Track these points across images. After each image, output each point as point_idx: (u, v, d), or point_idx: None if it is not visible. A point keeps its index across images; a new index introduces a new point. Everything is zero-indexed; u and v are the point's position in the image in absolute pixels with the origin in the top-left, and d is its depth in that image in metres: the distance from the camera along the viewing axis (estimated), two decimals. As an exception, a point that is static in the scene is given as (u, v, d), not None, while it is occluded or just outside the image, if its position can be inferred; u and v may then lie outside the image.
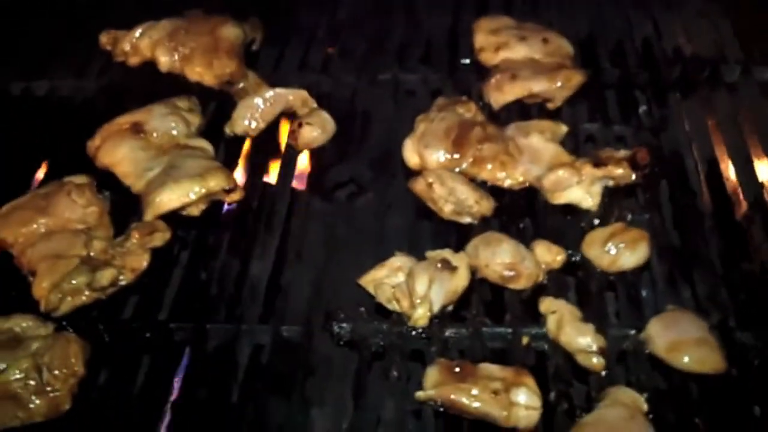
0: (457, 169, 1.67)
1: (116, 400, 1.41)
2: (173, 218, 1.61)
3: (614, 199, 1.63)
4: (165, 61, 1.90)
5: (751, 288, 1.49)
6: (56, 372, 1.36)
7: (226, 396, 1.40)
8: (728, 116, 1.83)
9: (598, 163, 1.60)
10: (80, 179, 1.66)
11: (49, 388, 1.35)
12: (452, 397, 1.28)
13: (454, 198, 1.59)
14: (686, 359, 1.33)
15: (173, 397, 1.41)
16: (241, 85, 1.87)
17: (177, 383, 1.43)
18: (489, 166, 1.66)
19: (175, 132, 1.73)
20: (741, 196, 1.65)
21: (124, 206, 1.66)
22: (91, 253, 1.53)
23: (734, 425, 1.30)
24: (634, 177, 1.61)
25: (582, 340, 1.36)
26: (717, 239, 1.58)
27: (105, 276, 1.48)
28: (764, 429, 1.28)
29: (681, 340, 1.34)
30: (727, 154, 1.74)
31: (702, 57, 1.97)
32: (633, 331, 1.40)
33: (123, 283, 1.52)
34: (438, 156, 1.67)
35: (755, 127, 1.79)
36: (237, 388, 1.41)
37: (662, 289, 1.50)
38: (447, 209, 1.61)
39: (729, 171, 1.70)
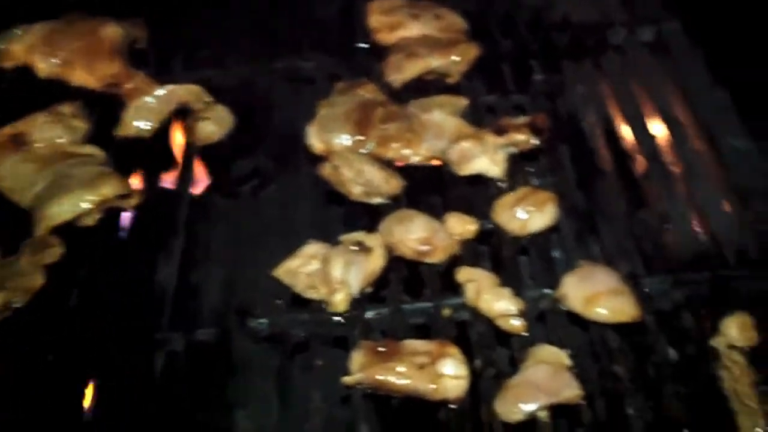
0: (362, 151, 1.64)
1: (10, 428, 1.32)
2: (67, 231, 1.52)
3: (519, 165, 1.64)
4: (43, 67, 1.80)
5: (653, 236, 1.52)
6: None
7: (143, 409, 1.33)
8: (618, 77, 1.86)
9: (499, 132, 1.62)
10: (-38, 199, 1.56)
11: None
12: (379, 377, 1.26)
13: (362, 179, 1.57)
14: (602, 311, 1.35)
15: (86, 418, 1.34)
16: (128, 86, 1.79)
17: (89, 402, 1.36)
18: (394, 145, 1.64)
19: (60, 140, 1.64)
20: (637, 152, 1.68)
21: (12, 224, 1.56)
22: (-21, 277, 1.44)
23: (652, 370, 1.32)
24: (535, 141, 1.62)
25: (501, 304, 1.36)
26: (619, 195, 1.61)
27: (-5, 299, 1.39)
28: (680, 371, 1.31)
29: (595, 293, 1.35)
30: (621, 113, 1.77)
31: (589, 22, 2.00)
32: (549, 291, 1.41)
33: (17, 305, 1.41)
34: (342, 139, 1.65)
35: (643, 85, 1.83)
36: (153, 399, 1.34)
37: (572, 247, 1.52)
38: (356, 191, 1.58)
39: (624, 130, 1.74)
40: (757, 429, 1.21)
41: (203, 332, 1.42)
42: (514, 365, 1.33)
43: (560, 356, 1.29)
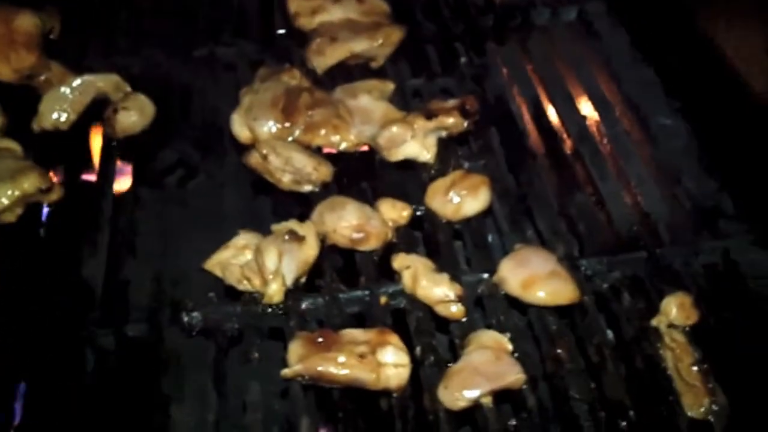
0: (290, 138, 1.61)
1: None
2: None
3: (449, 149, 1.64)
4: (-46, 60, 1.70)
5: (587, 217, 1.53)
6: None
7: (74, 409, 1.28)
8: (544, 58, 1.88)
9: (429, 115, 1.60)
10: None
11: None
12: (319, 368, 1.24)
13: (291, 167, 1.54)
14: (541, 294, 1.35)
15: (16, 422, 1.28)
16: (44, 77, 1.71)
17: (18, 407, 1.30)
18: (322, 132, 1.62)
19: (-25, 135, 1.56)
20: (566, 133, 1.69)
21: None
22: None
23: (593, 352, 1.33)
24: (465, 125, 1.62)
25: (439, 290, 1.35)
26: (550, 176, 1.62)
27: None
28: (621, 352, 1.32)
29: (533, 276, 1.36)
30: (547, 94, 1.79)
31: (512, 3, 2.00)
32: (486, 275, 1.41)
33: (-63, 305, 1.36)
34: (268, 127, 1.61)
35: (569, 66, 1.85)
36: (85, 398, 1.29)
37: (507, 230, 1.53)
38: (285, 180, 1.55)
39: (552, 110, 1.75)
40: (702, 407, 1.23)
41: (134, 327, 1.37)
42: (455, 352, 1.33)
43: (501, 341, 1.29)
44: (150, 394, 1.29)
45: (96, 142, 1.68)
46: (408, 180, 1.59)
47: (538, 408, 1.26)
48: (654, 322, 1.33)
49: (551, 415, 1.26)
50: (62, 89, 1.66)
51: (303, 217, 1.49)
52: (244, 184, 1.60)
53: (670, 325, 1.32)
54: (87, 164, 1.66)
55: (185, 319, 1.37)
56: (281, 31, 1.94)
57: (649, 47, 1.83)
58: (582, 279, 1.40)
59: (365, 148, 1.64)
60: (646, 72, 1.80)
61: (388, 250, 1.46)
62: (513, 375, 1.25)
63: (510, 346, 1.30)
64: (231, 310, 1.38)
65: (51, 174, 1.55)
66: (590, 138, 1.67)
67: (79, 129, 1.69)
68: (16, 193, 1.46)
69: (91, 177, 1.63)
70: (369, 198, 1.53)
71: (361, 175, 1.60)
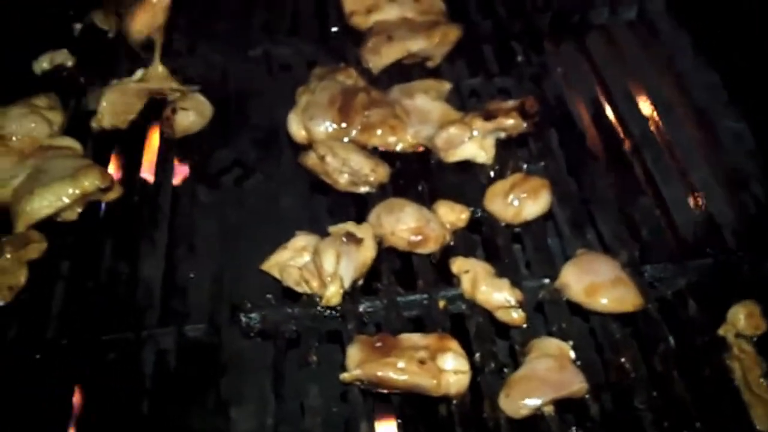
0: (345, 139, 1.61)
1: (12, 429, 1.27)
2: (48, 226, 1.48)
3: (507, 151, 1.61)
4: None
5: (650, 222, 1.50)
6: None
7: (135, 410, 1.29)
8: (602, 58, 1.84)
9: (488, 116, 1.58)
10: (-66, 198, 1.50)
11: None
12: (379, 373, 1.23)
13: (348, 168, 1.53)
14: (605, 301, 1.32)
15: (75, 419, 1.29)
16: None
17: (78, 404, 1.31)
18: (378, 132, 1.61)
19: (36, 133, 1.58)
20: (627, 134, 1.66)
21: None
22: (-40, 276, 1.38)
23: (658, 361, 1.29)
24: (525, 126, 1.59)
25: (499, 296, 1.33)
26: (611, 179, 1.59)
27: (-21, 299, 1.34)
28: (687, 361, 1.28)
29: (597, 283, 1.33)
30: (607, 94, 1.75)
31: (570, 1, 1.96)
32: (547, 280, 1.39)
33: (1, 303, 1.38)
34: (325, 127, 1.60)
35: (629, 66, 1.81)
36: (146, 399, 1.30)
37: (567, 234, 1.50)
38: (342, 181, 1.54)
39: (612, 111, 1.71)
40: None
41: (192, 328, 1.38)
42: (515, 358, 1.31)
43: (564, 348, 1.27)
44: (209, 395, 1.29)
45: (154, 141, 1.68)
46: (465, 182, 1.57)
47: (601, 417, 1.23)
48: (721, 331, 1.29)
49: (615, 424, 1.23)
50: (122, 89, 1.67)
51: (359, 218, 1.48)
52: (300, 185, 1.60)
53: (738, 335, 1.28)
54: (145, 163, 1.66)
55: (244, 320, 1.37)
56: (335, 30, 1.93)
57: (713, 48, 1.78)
58: (645, 286, 1.37)
59: (421, 149, 1.62)
60: (709, 74, 1.74)
61: (446, 253, 1.45)
62: (576, 384, 1.22)
63: (573, 354, 1.27)
64: (289, 312, 1.37)
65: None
66: (652, 140, 1.63)
67: (138, 128, 1.70)
68: (77, 191, 1.47)
69: (149, 176, 1.64)
70: (425, 200, 1.52)
71: (418, 176, 1.58)
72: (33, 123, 1.58)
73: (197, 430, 1.27)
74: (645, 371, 1.28)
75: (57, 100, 1.68)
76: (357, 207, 1.54)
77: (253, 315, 1.37)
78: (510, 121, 1.58)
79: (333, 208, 1.57)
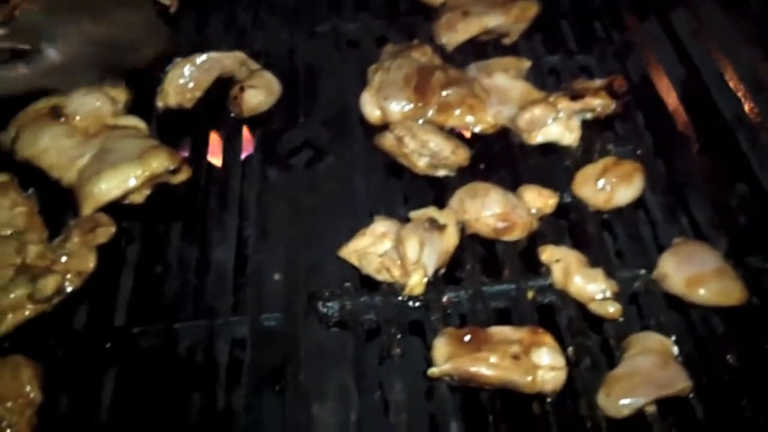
0: (421, 120, 1.53)
1: (83, 424, 1.22)
2: (115, 209, 1.42)
3: (592, 132, 1.52)
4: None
5: (748, 209, 1.41)
6: (9, 404, 1.17)
7: (211, 402, 1.24)
8: (689, 34, 1.74)
9: (574, 96, 1.50)
10: (-1, 178, 1.45)
11: (4, 423, 1.16)
12: (471, 369, 1.16)
13: (427, 150, 1.45)
14: (707, 293, 1.24)
15: (146, 411, 1.24)
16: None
17: (150, 395, 1.26)
18: (457, 112, 1.53)
19: (101, 112, 1.52)
20: (719, 116, 1.56)
21: (55, 203, 1.45)
22: (27, 260, 1.34)
23: (763, 357, 1.21)
24: (614, 106, 1.50)
25: (594, 287, 1.26)
26: (703, 163, 1.50)
27: (48, 284, 1.29)
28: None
29: (699, 274, 1.24)
30: (695, 73, 1.66)
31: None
32: (643, 271, 1.31)
33: (69, 289, 1.32)
34: (401, 107, 1.53)
35: (717, 42, 1.71)
36: (222, 391, 1.25)
37: (660, 221, 1.41)
38: (421, 163, 1.47)
39: (702, 91, 1.62)
40: None
41: (268, 317, 1.31)
42: (610, 354, 1.23)
43: (667, 344, 1.19)
44: (288, 389, 1.23)
45: (221, 120, 1.62)
46: (550, 165, 1.49)
47: (705, 417, 1.15)
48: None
49: (722, 425, 1.15)
50: (187, 66, 1.61)
51: (438, 202, 1.41)
52: (375, 167, 1.52)
53: None
54: (213, 144, 1.60)
55: (321, 309, 1.30)
56: (405, 5, 1.85)
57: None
58: (749, 277, 1.28)
59: (502, 129, 1.54)
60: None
61: (532, 240, 1.37)
62: (681, 382, 1.15)
63: (676, 350, 1.19)
64: (369, 302, 1.31)
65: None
66: (746, 122, 1.54)
67: (204, 107, 1.63)
68: (145, 173, 1.41)
69: (217, 157, 1.58)
70: (507, 184, 1.44)
71: (499, 159, 1.50)
72: (98, 101, 1.52)
73: (277, 424, 1.20)
74: (752, 369, 1.19)
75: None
76: (435, 191, 1.47)
77: (331, 303, 1.30)
78: (598, 101, 1.49)
79: (409, 192, 1.50)
